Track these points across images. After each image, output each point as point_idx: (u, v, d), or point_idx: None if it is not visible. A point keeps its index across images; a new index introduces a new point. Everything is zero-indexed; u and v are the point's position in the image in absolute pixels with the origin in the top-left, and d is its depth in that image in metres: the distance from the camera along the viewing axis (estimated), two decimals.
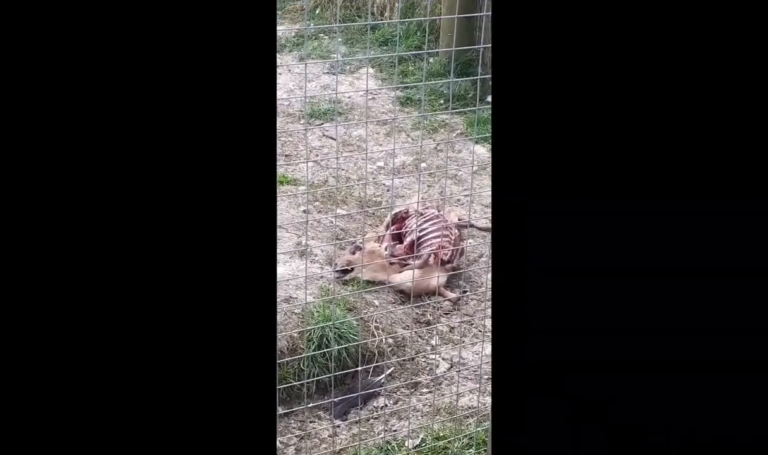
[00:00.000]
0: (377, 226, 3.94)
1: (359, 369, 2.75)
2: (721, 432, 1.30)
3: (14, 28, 1.19)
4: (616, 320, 1.33)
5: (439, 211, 3.74)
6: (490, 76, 1.40)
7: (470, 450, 2.60)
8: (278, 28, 5.14)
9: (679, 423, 1.31)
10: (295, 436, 2.76)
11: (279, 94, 4.99)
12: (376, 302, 3.33)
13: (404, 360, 3.07)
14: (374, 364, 3.00)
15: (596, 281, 1.33)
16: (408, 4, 5.89)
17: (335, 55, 5.51)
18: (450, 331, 3.30)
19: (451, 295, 3.49)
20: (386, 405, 2.89)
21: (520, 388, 1.34)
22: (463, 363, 3.08)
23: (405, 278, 3.42)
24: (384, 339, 3.10)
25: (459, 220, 3.71)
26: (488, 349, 2.99)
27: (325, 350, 2.88)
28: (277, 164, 4.27)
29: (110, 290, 1.25)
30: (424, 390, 2.97)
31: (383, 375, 2.99)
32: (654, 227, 1.30)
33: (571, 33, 1.28)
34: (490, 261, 1.43)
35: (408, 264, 3.56)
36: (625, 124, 1.30)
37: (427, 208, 3.80)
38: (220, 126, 1.26)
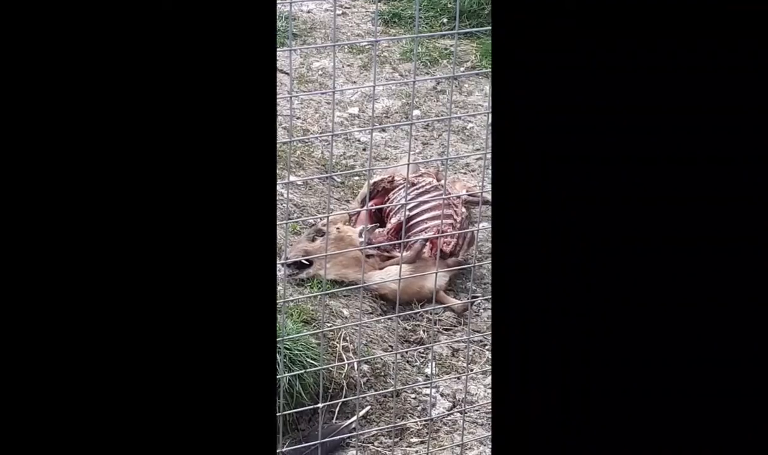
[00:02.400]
0: (348, 201, 3.97)
1: (319, 406, 2.79)
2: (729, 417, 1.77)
3: (14, 28, 1.63)
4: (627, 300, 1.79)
5: (438, 180, 3.78)
6: None
7: None
8: None
9: (687, 414, 1.78)
10: None
11: None
12: (346, 312, 3.37)
13: (386, 396, 3.12)
14: (342, 400, 3.04)
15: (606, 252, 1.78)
16: None
17: None
18: (453, 355, 3.35)
19: (455, 302, 3.54)
20: None
21: (523, 373, 1.80)
22: (470, 400, 3.13)
23: (388, 276, 3.46)
24: (357, 365, 3.14)
25: (467, 193, 3.76)
26: None
27: None
28: None
29: (108, 289, 1.69)
30: (415, 439, 3.02)
31: (355, 417, 3.03)
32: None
33: None
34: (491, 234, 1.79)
35: (393, 257, 3.60)
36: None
37: (421, 175, 3.84)
38: (218, 124, 1.71)
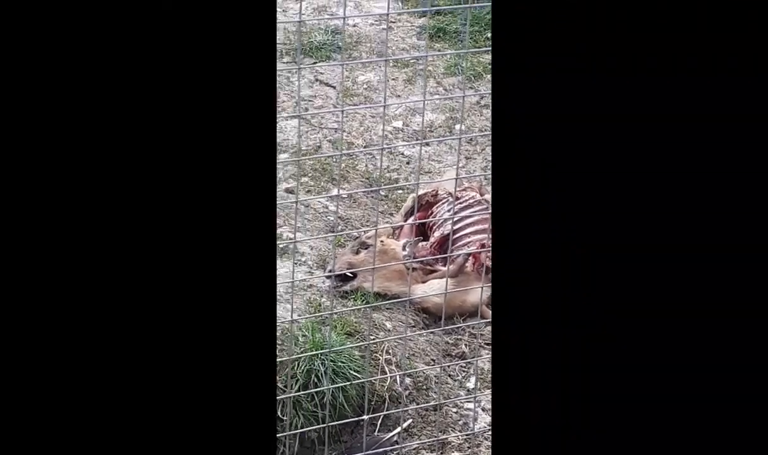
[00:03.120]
0: (392, 214, 3.98)
1: (365, 418, 2.80)
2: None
3: (14, 28, 1.63)
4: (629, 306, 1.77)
5: (481, 194, 3.79)
6: None
7: None
8: None
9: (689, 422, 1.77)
10: None
11: None
12: (389, 325, 3.38)
13: (428, 410, 3.12)
14: (384, 413, 3.04)
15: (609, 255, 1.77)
16: None
17: None
18: None
19: None
20: None
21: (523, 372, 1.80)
22: None
23: (432, 290, 3.47)
24: (399, 378, 3.14)
25: None
26: None
27: (314, 390, 2.93)
28: None
29: (108, 289, 1.71)
30: (456, 453, 3.02)
31: (397, 430, 3.04)
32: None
33: None
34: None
35: (437, 271, 3.60)
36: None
37: (464, 190, 3.85)
38: (218, 125, 1.71)
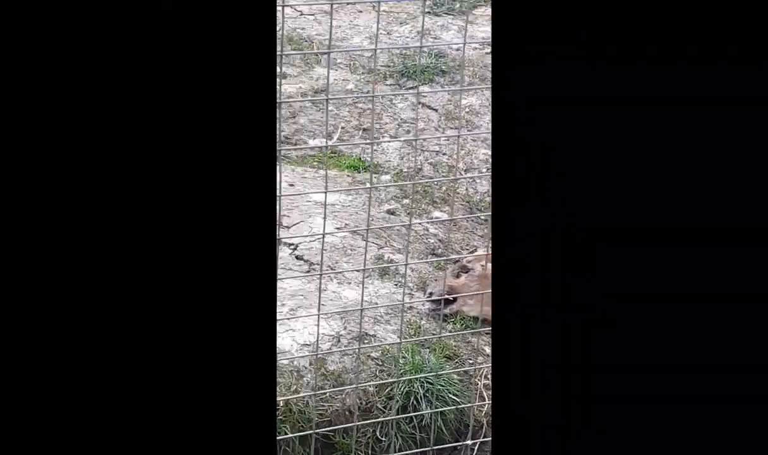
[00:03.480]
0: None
1: (468, 443, 2.79)
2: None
3: (14, 28, 1.62)
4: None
5: None
6: None
7: None
8: None
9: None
10: None
11: (358, 40, 5.07)
12: (488, 350, 3.36)
13: None
14: (482, 439, 3.03)
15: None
16: None
17: None
18: None
19: None
20: None
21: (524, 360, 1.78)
22: None
23: None
24: None
25: None
26: None
27: (412, 413, 2.93)
28: (353, 140, 4.34)
29: (109, 290, 1.70)
30: None
31: None
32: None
33: None
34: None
35: None
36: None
37: None
38: (217, 126, 1.71)
